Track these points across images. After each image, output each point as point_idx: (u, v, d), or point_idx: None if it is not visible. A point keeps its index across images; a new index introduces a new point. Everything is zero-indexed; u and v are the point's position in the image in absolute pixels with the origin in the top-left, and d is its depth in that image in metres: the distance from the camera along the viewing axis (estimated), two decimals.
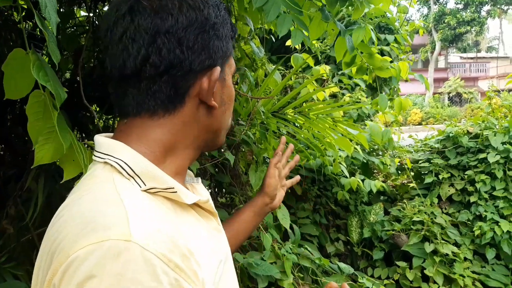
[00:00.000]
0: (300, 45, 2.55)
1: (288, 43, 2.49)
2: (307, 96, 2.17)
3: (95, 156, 0.62)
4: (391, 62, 2.21)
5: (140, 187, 0.56)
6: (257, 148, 2.00)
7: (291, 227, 2.20)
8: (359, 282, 2.15)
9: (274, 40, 2.45)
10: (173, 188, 0.57)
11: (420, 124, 13.74)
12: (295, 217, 2.74)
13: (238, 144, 1.98)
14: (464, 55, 34.40)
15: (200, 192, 0.74)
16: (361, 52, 1.75)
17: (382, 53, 4.41)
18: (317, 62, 3.86)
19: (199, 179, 0.77)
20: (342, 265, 2.23)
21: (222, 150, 1.91)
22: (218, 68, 0.63)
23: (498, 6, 24.98)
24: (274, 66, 2.31)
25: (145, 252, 0.47)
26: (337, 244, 2.90)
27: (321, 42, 3.66)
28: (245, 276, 1.80)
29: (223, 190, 2.37)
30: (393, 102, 3.20)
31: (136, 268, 0.46)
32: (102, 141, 0.62)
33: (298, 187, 2.86)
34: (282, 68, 2.69)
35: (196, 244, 0.55)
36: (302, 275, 2.03)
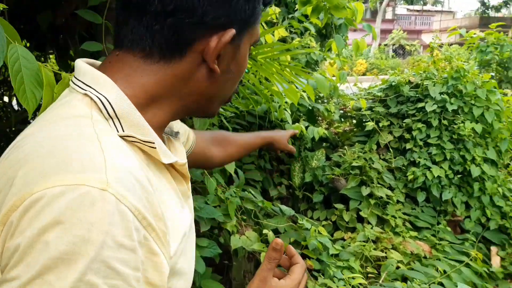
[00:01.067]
0: None
1: None
2: None
3: (74, 84, 0.56)
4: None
5: (118, 131, 0.51)
6: None
7: (235, 172, 2.21)
8: (299, 223, 2.23)
9: None
10: (153, 143, 0.53)
11: (365, 74, 14.10)
12: (240, 163, 2.75)
13: None
14: (411, 7, 35.04)
15: (177, 149, 0.69)
16: None
17: None
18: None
19: (179, 133, 0.72)
20: (284, 207, 2.30)
21: None
22: (232, 31, 0.56)
23: None
24: None
25: (120, 205, 0.43)
26: (279, 188, 2.98)
27: None
28: None
29: None
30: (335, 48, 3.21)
31: (110, 220, 0.42)
32: (87, 69, 0.56)
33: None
34: None
35: (166, 207, 0.52)
36: (245, 218, 2.08)
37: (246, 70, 2.27)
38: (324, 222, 2.90)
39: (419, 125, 3.22)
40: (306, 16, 3.54)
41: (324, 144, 3.46)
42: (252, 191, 2.23)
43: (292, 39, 3.57)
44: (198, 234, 1.88)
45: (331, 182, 3.05)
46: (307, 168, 3.10)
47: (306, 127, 2.79)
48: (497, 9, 34.37)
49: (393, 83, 3.39)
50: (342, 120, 3.62)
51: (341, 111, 3.50)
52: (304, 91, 2.53)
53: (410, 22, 32.27)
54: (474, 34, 5.45)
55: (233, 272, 2.13)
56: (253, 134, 1.37)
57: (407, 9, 35.40)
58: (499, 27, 5.30)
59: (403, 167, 3.24)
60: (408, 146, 3.26)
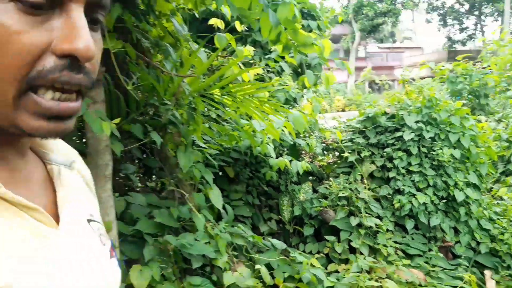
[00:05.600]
0: (223, 26, 2.57)
1: (211, 22, 2.50)
2: (233, 77, 2.19)
3: None
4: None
5: None
6: (186, 129, 1.99)
7: (224, 208, 2.23)
8: (291, 256, 2.24)
9: (198, 19, 2.45)
10: None
11: (343, 110, 14.47)
12: (228, 199, 2.77)
13: (164, 126, 1.96)
14: (382, 45, 36.59)
15: (65, 179, 0.55)
16: (285, 29, 1.81)
17: None
18: (243, 44, 3.92)
19: (74, 162, 0.59)
20: (275, 241, 2.31)
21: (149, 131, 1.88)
22: None
23: None
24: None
25: None
26: (270, 224, 2.99)
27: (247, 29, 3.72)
28: (179, 258, 1.80)
29: (153, 175, 2.34)
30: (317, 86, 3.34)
31: None
32: None
33: (230, 169, 2.88)
34: (208, 51, 2.69)
35: None
36: (236, 254, 2.07)
37: (227, 108, 2.34)
38: (316, 255, 2.90)
39: (400, 153, 3.32)
40: (283, 57, 3.69)
41: (310, 177, 3.52)
42: (242, 226, 2.24)
43: (270, 78, 3.71)
44: (191, 273, 1.87)
45: (320, 214, 3.08)
46: (295, 201, 3.14)
47: (290, 161, 2.85)
48: (463, 43, 36.21)
49: (370, 115, 3.52)
50: (325, 153, 3.70)
51: (323, 144, 3.58)
52: (284, 127, 2.60)
53: (382, 58, 33.71)
54: (442, 66, 5.74)
55: None
56: None
57: (378, 47, 36.98)
58: (466, 59, 5.60)
59: (389, 196, 3.30)
60: (391, 174, 3.34)
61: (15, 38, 0.39)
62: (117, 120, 1.36)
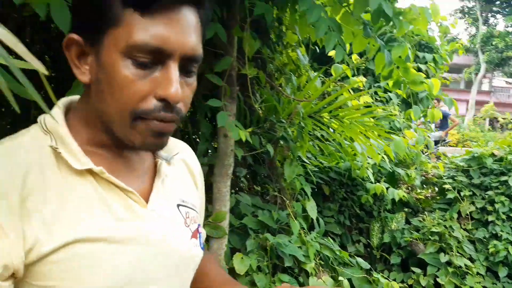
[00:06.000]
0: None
1: (330, 53, 2.79)
2: (343, 102, 2.46)
3: None
4: (426, 78, 2.48)
5: (52, 143, 0.58)
6: (294, 145, 2.30)
7: (317, 220, 2.48)
8: (374, 277, 2.41)
9: (318, 50, 2.76)
10: (57, 148, 0.58)
11: (455, 145, 13.72)
12: (322, 215, 3.00)
13: (277, 140, 2.30)
14: (510, 80, 33.59)
15: (163, 171, 0.69)
16: (398, 67, 2.04)
17: (419, 70, 4.63)
18: (355, 73, 4.14)
19: (172, 157, 0.72)
20: (360, 260, 2.50)
21: (263, 143, 2.23)
22: (71, 36, 0.57)
23: None
24: (315, 73, 2.63)
25: None
26: (357, 246, 3.16)
27: (361, 57, 3.93)
28: (274, 254, 2.11)
29: (258, 181, 2.69)
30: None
31: None
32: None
33: (326, 187, 3.13)
34: (322, 76, 2.99)
35: (60, 205, 0.55)
36: (322, 263, 2.32)
37: (332, 129, 2.60)
38: (400, 285, 3.00)
39: (503, 198, 3.28)
40: None
41: (405, 208, 3.61)
42: (331, 240, 2.48)
43: (377, 107, 3.87)
44: (281, 270, 2.17)
45: (409, 245, 3.17)
46: (386, 229, 3.28)
47: (387, 188, 3.00)
48: None
49: (476, 155, 3.51)
50: (424, 186, 3.74)
51: (423, 177, 3.64)
52: (385, 153, 2.78)
53: (508, 95, 30.92)
54: None
55: None
56: None
57: (506, 82, 34.02)
58: None
59: (485, 239, 3.27)
60: (490, 218, 3.30)
61: (130, 85, 0.55)
62: (250, 129, 1.73)
